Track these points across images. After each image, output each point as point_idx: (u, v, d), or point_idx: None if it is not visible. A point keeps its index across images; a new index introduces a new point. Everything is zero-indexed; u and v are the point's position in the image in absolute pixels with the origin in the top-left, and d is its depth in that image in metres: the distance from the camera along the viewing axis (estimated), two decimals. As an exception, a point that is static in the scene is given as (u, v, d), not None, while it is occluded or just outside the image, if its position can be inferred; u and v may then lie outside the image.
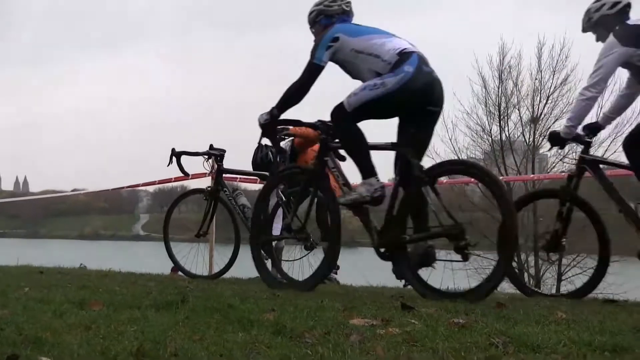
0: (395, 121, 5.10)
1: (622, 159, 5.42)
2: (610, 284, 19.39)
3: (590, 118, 5.62)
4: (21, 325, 3.07)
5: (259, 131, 5.33)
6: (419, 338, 2.92)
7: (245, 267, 7.01)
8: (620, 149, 5.19)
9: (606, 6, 5.21)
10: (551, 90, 23.29)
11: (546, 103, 23.34)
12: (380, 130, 5.69)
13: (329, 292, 5.09)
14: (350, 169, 5.18)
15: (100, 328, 3.09)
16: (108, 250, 49.63)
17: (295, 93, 5.13)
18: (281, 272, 6.34)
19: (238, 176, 8.07)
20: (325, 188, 5.20)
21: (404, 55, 4.85)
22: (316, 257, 5.97)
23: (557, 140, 5.45)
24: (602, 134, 21.65)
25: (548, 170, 23.81)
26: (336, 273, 7.21)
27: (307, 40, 5.30)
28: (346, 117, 4.95)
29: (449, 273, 5.28)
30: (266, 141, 5.70)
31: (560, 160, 21.21)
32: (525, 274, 21.92)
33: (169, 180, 10.22)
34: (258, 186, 8.67)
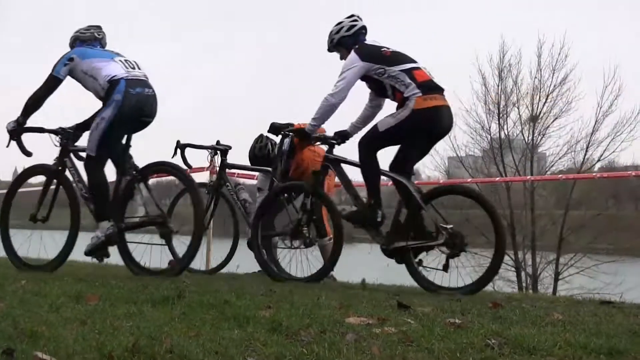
0: None
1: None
2: (607, 284, 19.65)
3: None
4: (17, 319, 3.07)
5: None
6: (415, 338, 2.92)
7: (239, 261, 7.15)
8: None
9: (344, 29, 5.90)
10: (550, 89, 23.28)
11: (545, 102, 23.32)
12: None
13: (325, 289, 5.08)
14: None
15: (96, 323, 3.09)
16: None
17: (35, 102, 5.98)
18: (279, 268, 6.41)
19: (237, 171, 8.05)
20: (68, 186, 6.13)
21: (113, 83, 5.74)
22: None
23: (302, 134, 6.07)
24: (599, 134, 22.02)
25: (547, 170, 23.84)
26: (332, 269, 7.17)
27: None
28: (94, 159, 5.91)
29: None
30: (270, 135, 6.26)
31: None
32: (523, 273, 21.92)
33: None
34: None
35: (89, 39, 6.16)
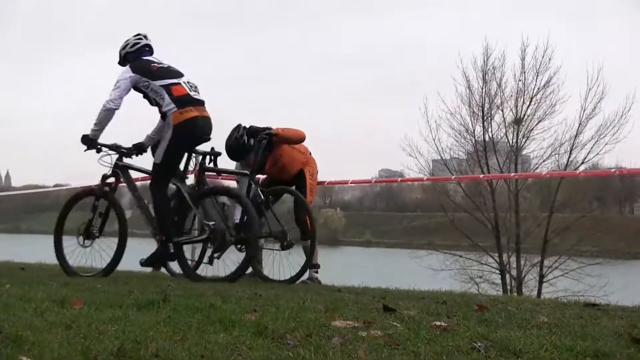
0: None
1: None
2: (592, 286, 19.73)
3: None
4: (2, 324, 3.05)
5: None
6: (401, 341, 2.92)
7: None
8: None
9: (129, 45, 6.66)
10: (534, 91, 23.31)
11: (529, 104, 23.34)
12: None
13: (311, 292, 5.07)
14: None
15: (81, 327, 3.07)
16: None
17: None
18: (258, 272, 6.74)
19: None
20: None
21: None
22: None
23: (87, 141, 6.41)
24: (583, 137, 22.12)
25: (531, 172, 23.91)
26: (317, 272, 7.17)
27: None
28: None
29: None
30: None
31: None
32: (508, 276, 21.96)
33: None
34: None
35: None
